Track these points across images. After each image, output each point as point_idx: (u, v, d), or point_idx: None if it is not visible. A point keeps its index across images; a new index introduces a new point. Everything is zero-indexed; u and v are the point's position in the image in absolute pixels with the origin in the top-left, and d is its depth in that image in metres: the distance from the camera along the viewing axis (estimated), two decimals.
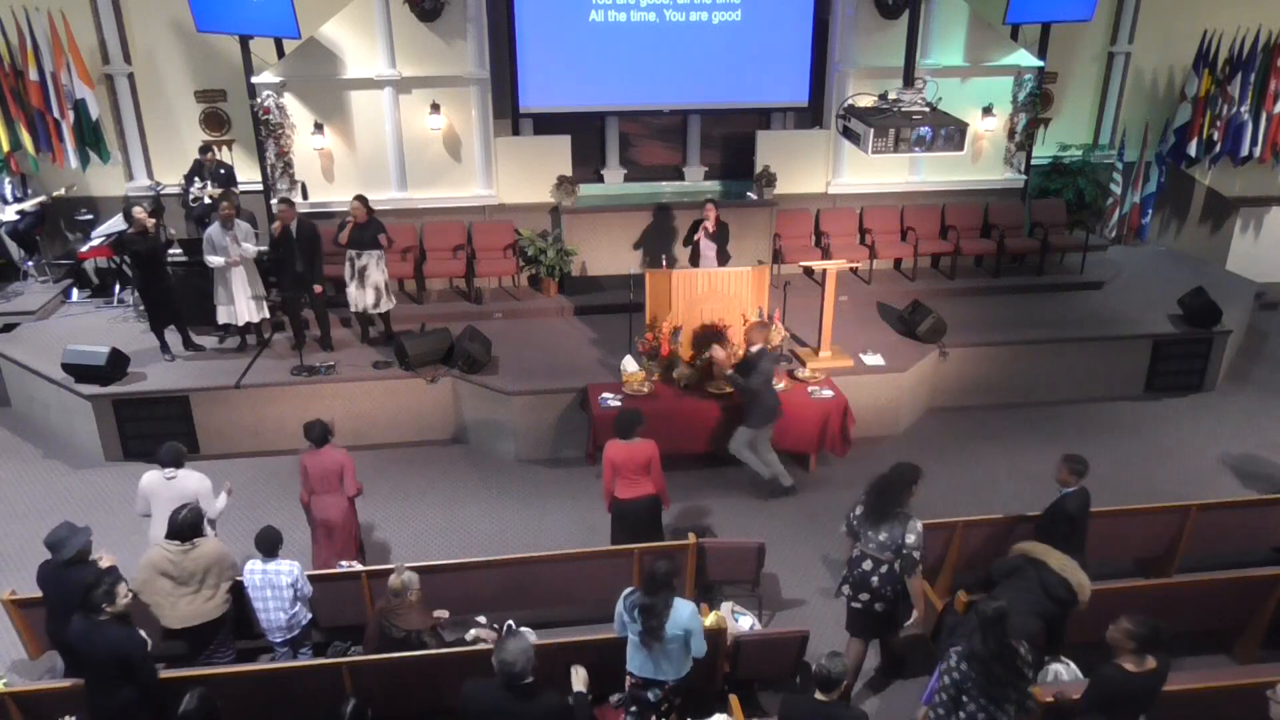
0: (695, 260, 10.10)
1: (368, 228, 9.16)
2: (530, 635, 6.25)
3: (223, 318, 9.30)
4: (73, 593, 5.48)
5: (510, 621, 6.36)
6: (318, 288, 9.31)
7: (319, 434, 6.71)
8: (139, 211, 8.87)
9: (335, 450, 6.77)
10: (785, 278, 10.23)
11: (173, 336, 9.45)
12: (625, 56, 10.67)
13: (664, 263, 9.88)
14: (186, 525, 5.73)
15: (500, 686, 4.40)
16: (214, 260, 8.92)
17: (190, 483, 6.38)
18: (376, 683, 5.60)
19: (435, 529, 8.05)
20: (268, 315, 9.52)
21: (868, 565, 5.82)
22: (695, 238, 10.03)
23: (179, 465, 6.39)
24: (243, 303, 9.23)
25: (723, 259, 9.92)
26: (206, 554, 5.79)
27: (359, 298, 9.39)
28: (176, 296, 9.31)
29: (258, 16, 9.74)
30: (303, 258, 9.07)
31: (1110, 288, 11.19)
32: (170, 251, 9.54)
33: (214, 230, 8.95)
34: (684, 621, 5.14)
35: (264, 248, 9.47)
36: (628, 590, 5.30)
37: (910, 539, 5.70)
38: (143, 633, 5.23)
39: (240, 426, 8.99)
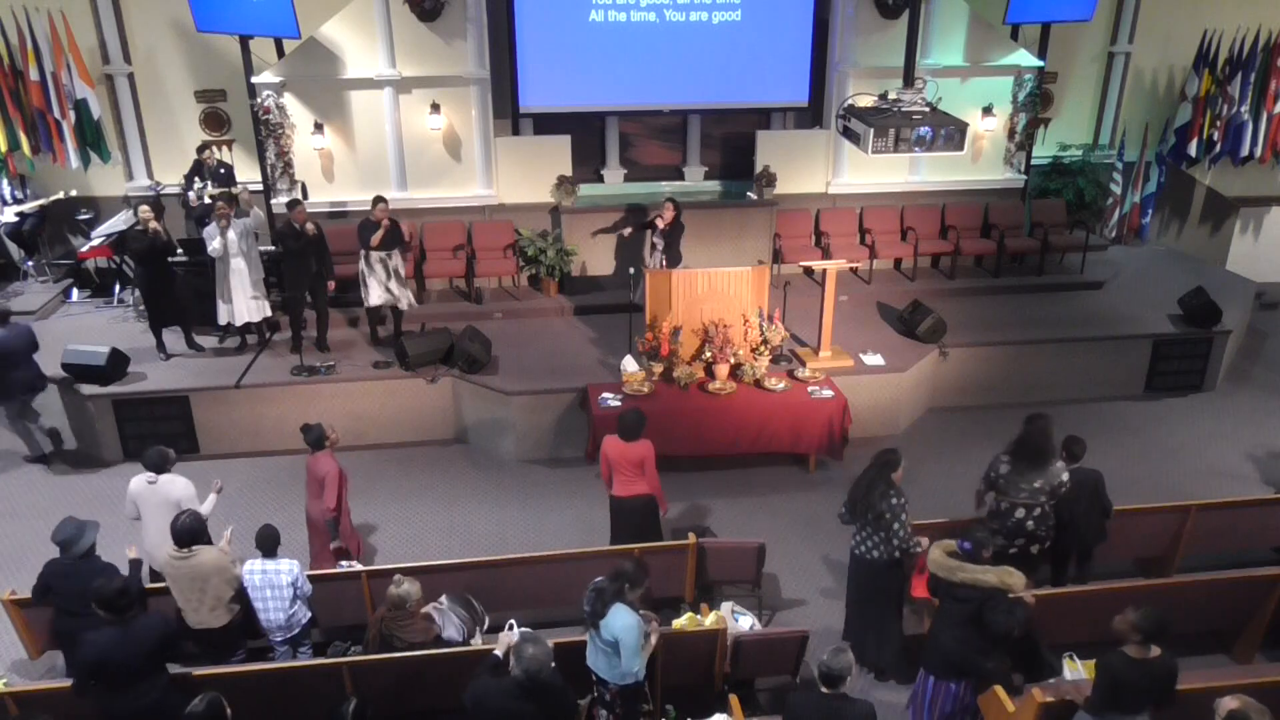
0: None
1: (394, 228, 9.18)
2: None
3: (223, 317, 9.30)
4: (85, 587, 5.50)
5: (512, 621, 6.36)
6: (331, 284, 9.37)
7: (314, 438, 6.68)
8: (144, 210, 8.95)
9: (328, 459, 6.67)
10: (785, 278, 10.23)
11: (172, 337, 9.44)
12: (625, 56, 10.67)
13: (629, 270, 9.76)
14: (184, 531, 5.70)
15: (514, 689, 4.40)
16: (215, 246, 8.93)
17: (175, 488, 6.33)
18: (376, 683, 5.59)
19: (435, 529, 8.05)
20: (268, 314, 9.52)
21: (1020, 514, 6.27)
22: (648, 233, 9.93)
23: (161, 470, 6.34)
24: (242, 303, 9.23)
25: (672, 260, 9.73)
26: (204, 564, 5.75)
27: (401, 295, 9.37)
28: (180, 296, 9.32)
29: (258, 16, 9.74)
30: (317, 256, 9.14)
31: (1110, 288, 11.19)
32: (169, 250, 9.50)
33: (209, 230, 9.00)
34: (615, 630, 5.10)
35: (268, 246, 9.48)
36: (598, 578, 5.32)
37: (1065, 476, 6.30)
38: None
39: (240, 426, 8.99)
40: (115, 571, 5.81)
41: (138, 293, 10.55)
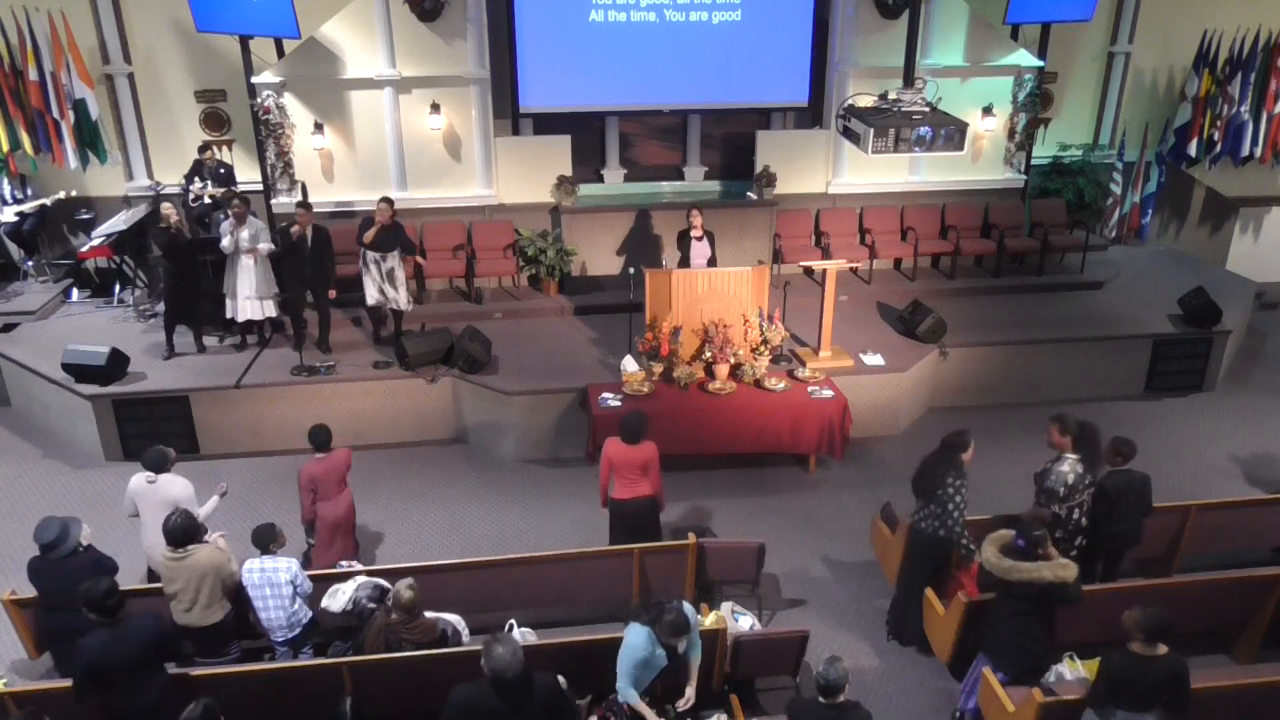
0: (685, 264, 9.81)
1: (393, 230, 9.12)
2: (530, 635, 6.29)
3: (228, 311, 9.33)
4: (76, 584, 5.49)
5: (512, 620, 6.37)
6: (332, 291, 9.34)
7: (326, 439, 6.76)
8: (166, 207, 9.00)
9: (338, 451, 6.85)
10: (785, 278, 10.22)
11: (177, 338, 9.45)
12: (625, 56, 10.67)
13: (629, 270, 9.56)
14: (178, 530, 5.69)
15: (492, 689, 4.39)
16: (225, 244, 8.99)
17: (174, 489, 6.33)
18: (376, 683, 5.59)
19: (435, 529, 8.05)
20: (272, 315, 9.51)
21: (1076, 514, 6.33)
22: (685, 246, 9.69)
23: (160, 470, 6.34)
24: (245, 300, 9.24)
25: (712, 263, 9.66)
26: (199, 563, 5.73)
27: (395, 297, 9.34)
28: (196, 295, 9.34)
29: (258, 16, 9.74)
30: (313, 263, 9.11)
31: (1110, 288, 11.19)
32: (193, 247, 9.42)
33: (224, 226, 9.05)
34: (625, 638, 5.20)
35: (273, 246, 9.53)
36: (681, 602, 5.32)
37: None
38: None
39: (240, 426, 8.99)
40: (110, 566, 5.84)
41: (138, 293, 10.57)
